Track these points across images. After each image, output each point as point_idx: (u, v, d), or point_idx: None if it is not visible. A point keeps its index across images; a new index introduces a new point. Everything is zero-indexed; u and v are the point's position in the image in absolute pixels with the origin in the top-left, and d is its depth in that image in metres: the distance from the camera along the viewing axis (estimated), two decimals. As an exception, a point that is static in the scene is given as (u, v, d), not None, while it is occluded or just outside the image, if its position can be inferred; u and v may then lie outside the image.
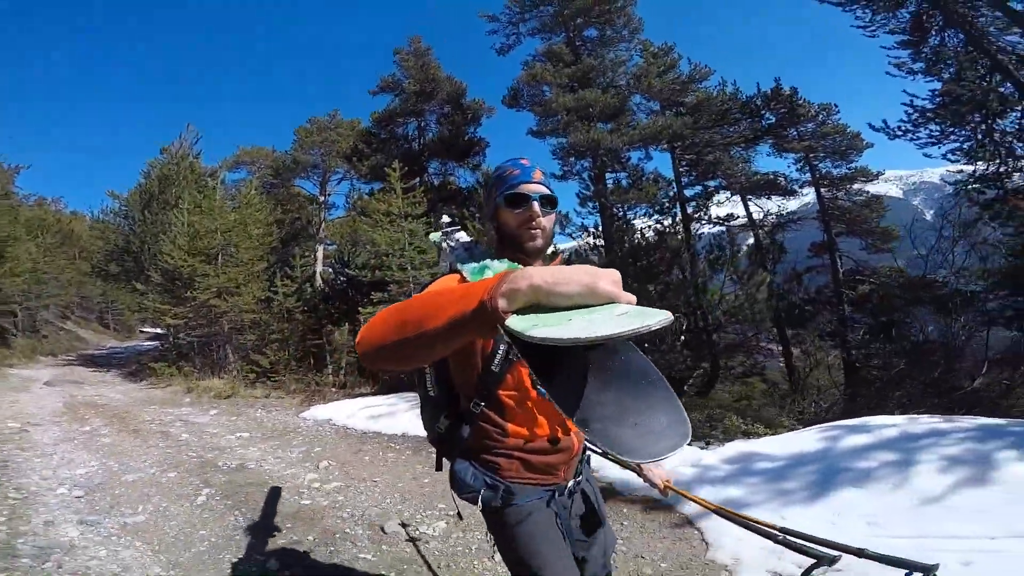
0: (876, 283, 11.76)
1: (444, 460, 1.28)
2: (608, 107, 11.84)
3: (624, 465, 1.79)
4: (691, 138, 12.16)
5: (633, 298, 0.60)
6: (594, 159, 12.38)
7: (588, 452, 1.43)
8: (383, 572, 2.72)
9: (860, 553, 1.39)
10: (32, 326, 20.70)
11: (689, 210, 12.53)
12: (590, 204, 12.92)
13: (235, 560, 2.89)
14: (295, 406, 8.00)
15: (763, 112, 13.38)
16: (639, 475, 1.57)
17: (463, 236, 1.38)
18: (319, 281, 16.51)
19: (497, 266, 1.07)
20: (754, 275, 7.41)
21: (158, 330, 20.66)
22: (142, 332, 29.16)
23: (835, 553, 1.41)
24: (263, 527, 3.34)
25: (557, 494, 1.22)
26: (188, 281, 11.68)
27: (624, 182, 12.19)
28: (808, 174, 13.86)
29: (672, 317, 0.54)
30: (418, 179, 15.54)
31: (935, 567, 1.27)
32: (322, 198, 21.25)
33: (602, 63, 12.69)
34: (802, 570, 1.44)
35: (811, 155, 13.61)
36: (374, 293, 8.79)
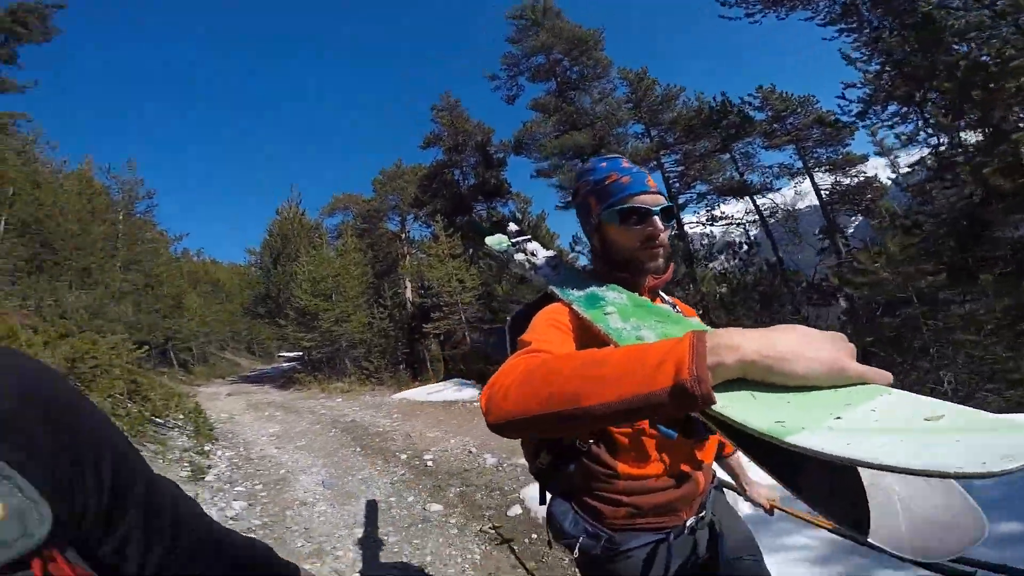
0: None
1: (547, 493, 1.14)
2: (589, 145, 14.40)
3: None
4: (670, 152, 14.16)
5: (888, 376, 0.48)
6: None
7: (720, 485, 1.27)
8: (400, 453, 6.07)
9: (1003, 569, 1.22)
10: (203, 357, 27.75)
11: (682, 215, 14.59)
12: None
13: (342, 452, 6.41)
14: (388, 393, 11.93)
15: (744, 113, 14.67)
16: (742, 495, 1.42)
17: (538, 248, 1.24)
18: (409, 306, 20.62)
19: (613, 299, 0.91)
20: (694, 269, 9.48)
21: (293, 353, 26.32)
22: (280, 356, 35.52)
23: (971, 570, 1.18)
24: (356, 439, 6.97)
25: (673, 536, 1.01)
26: (314, 315, 16.28)
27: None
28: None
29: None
30: (466, 216, 19.03)
31: None
32: (403, 235, 25.63)
33: (581, 106, 15.13)
34: None
35: (801, 145, 14.77)
36: (433, 314, 12.27)
